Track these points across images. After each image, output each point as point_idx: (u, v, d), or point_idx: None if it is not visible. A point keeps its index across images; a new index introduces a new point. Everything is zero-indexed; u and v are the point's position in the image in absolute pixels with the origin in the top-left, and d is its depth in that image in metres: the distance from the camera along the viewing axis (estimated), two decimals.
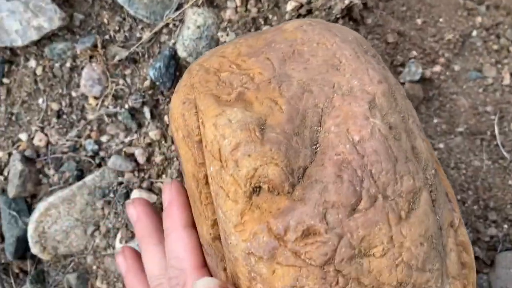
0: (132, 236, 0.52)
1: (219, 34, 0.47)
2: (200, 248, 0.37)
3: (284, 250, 0.27)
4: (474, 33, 0.50)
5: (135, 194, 0.51)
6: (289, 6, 0.45)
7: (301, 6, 0.45)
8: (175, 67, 0.49)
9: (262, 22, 0.47)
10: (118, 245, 0.53)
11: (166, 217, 0.39)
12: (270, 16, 0.47)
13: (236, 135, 0.29)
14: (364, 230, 0.27)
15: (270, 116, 0.29)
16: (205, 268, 0.36)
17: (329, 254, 0.26)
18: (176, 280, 0.36)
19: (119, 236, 0.52)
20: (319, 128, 0.29)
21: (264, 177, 0.28)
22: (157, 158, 0.51)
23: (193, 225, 0.38)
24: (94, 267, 0.54)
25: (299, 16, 0.45)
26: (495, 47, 0.50)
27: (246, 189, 0.28)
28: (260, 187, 0.28)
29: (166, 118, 0.50)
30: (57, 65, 0.51)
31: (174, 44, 0.49)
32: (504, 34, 0.50)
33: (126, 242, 0.52)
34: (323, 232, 0.26)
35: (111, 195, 0.52)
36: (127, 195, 0.52)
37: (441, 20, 0.49)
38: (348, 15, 0.45)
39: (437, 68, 0.49)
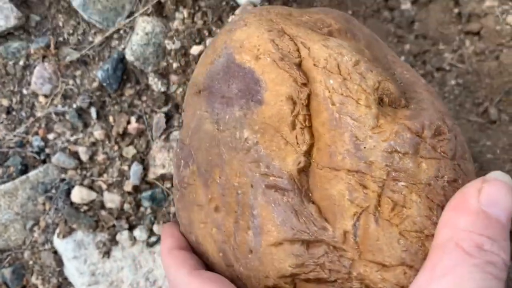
0: (70, 231, 0.53)
1: (166, 42, 0.51)
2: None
3: (425, 145, 0.30)
4: (402, 58, 0.54)
5: (76, 191, 0.53)
6: (231, 20, 0.49)
7: None
8: (123, 70, 0.52)
9: (207, 34, 0.51)
10: (56, 240, 0.54)
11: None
12: (214, 29, 0.50)
13: (353, 55, 0.32)
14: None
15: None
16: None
17: (453, 150, 0.31)
18: None
19: (57, 231, 0.53)
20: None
21: (386, 89, 0.32)
22: (100, 157, 0.53)
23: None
24: (31, 262, 0.54)
25: None
26: (421, 71, 0.54)
27: (375, 97, 0.31)
28: (382, 99, 0.31)
29: (111, 119, 0.53)
30: (10, 63, 0.53)
31: (124, 49, 0.52)
32: (429, 61, 0.54)
33: (63, 237, 0.53)
34: (446, 132, 0.31)
35: (53, 191, 0.54)
36: (68, 192, 0.53)
37: None
38: None
39: None
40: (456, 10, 0.56)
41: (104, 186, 0.53)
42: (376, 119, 0.30)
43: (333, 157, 0.31)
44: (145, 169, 0.53)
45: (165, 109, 0.52)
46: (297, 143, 0.32)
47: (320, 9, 0.38)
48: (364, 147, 0.30)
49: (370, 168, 0.30)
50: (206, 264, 0.36)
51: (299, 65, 0.33)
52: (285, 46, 0.33)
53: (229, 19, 0.49)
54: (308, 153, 0.31)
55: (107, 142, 0.53)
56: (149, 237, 0.53)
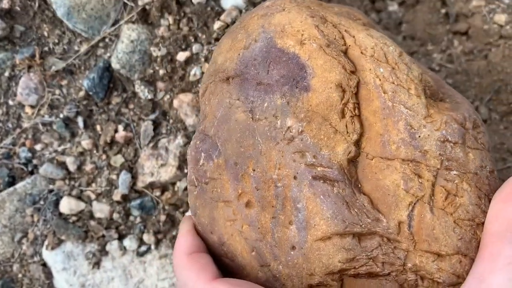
0: (59, 243, 0.53)
1: (152, 49, 0.50)
2: None
3: (469, 136, 0.31)
4: None
5: (65, 201, 0.52)
6: (216, 25, 0.49)
7: (227, 25, 0.49)
8: (109, 79, 0.51)
9: (192, 40, 0.50)
10: (45, 252, 0.53)
11: (174, 250, 0.35)
12: (200, 34, 0.50)
13: (396, 46, 0.33)
14: None
15: None
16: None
17: (488, 142, 0.33)
18: None
19: (46, 243, 0.53)
20: None
21: (427, 82, 0.32)
22: (88, 167, 0.52)
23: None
24: (20, 276, 0.54)
25: None
26: None
27: (421, 87, 0.32)
28: (424, 91, 0.32)
29: (99, 127, 0.52)
30: None
31: (110, 57, 0.51)
32: (418, 62, 0.54)
33: (52, 248, 0.52)
34: (480, 125, 0.32)
35: (41, 202, 0.53)
36: (56, 203, 0.53)
37: None
38: None
39: None
40: (443, 11, 0.56)
41: (92, 196, 0.52)
42: (426, 108, 0.31)
43: (386, 146, 0.30)
44: (134, 177, 0.52)
45: (152, 116, 0.51)
46: (347, 132, 0.31)
47: (338, 4, 0.39)
48: (419, 136, 0.30)
49: (425, 157, 0.30)
50: (230, 266, 0.33)
51: (345, 53, 0.32)
52: (330, 33, 0.32)
53: (215, 25, 0.49)
54: (357, 143, 0.31)
55: (95, 151, 0.53)
56: (139, 246, 0.52)
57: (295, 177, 0.30)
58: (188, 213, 0.51)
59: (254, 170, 0.31)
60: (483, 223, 0.30)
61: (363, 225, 0.29)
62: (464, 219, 0.30)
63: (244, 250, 0.32)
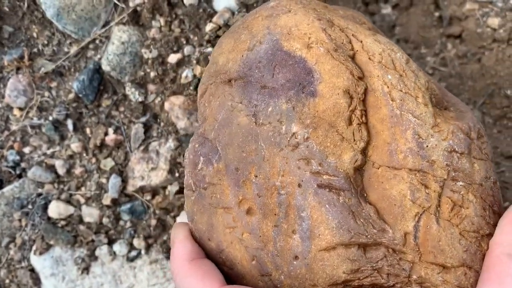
0: (48, 248, 0.52)
1: (143, 50, 0.50)
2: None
3: (474, 146, 0.31)
4: None
5: (54, 205, 0.51)
6: (208, 27, 0.48)
7: (219, 28, 0.48)
8: (99, 81, 0.51)
9: (184, 42, 0.49)
10: (33, 257, 0.52)
11: (170, 259, 0.33)
12: (191, 36, 0.49)
13: (403, 52, 0.32)
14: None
15: None
16: None
17: (491, 152, 0.33)
18: None
19: (34, 248, 0.52)
20: None
21: (433, 90, 0.32)
22: (77, 170, 0.51)
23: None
24: (7, 281, 0.52)
25: (217, 37, 0.48)
26: None
27: (428, 96, 0.31)
28: (431, 99, 0.31)
29: (88, 130, 0.51)
30: None
31: (100, 59, 0.51)
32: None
33: (41, 254, 0.51)
34: (484, 135, 0.32)
35: (30, 206, 0.52)
36: (45, 207, 0.52)
37: None
38: None
39: None
40: (437, 14, 0.56)
41: (82, 200, 0.52)
42: (434, 117, 0.30)
43: (394, 155, 0.30)
44: (124, 181, 0.51)
45: (143, 119, 0.51)
46: (354, 139, 0.30)
47: (342, 7, 0.38)
48: (427, 146, 0.30)
49: (432, 168, 0.29)
50: (229, 274, 0.32)
51: (352, 58, 0.31)
52: (338, 37, 0.32)
53: (207, 27, 0.48)
54: (363, 151, 0.30)
55: (84, 154, 0.52)
56: (129, 251, 0.51)
57: (299, 185, 0.30)
58: (179, 219, 0.51)
59: (256, 176, 0.31)
60: (487, 235, 0.30)
61: (368, 236, 0.29)
62: (470, 230, 0.29)
63: (244, 258, 0.31)
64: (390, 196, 0.29)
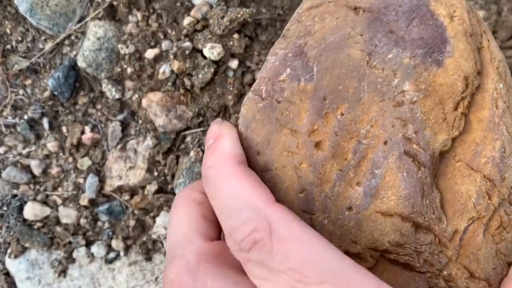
0: (23, 251, 0.50)
1: (119, 46, 0.48)
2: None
3: None
4: None
5: (29, 207, 0.50)
6: (186, 21, 0.47)
7: (197, 21, 0.47)
8: (75, 78, 0.49)
9: (162, 37, 0.48)
10: (8, 261, 0.50)
11: (211, 153, 0.28)
12: (169, 31, 0.48)
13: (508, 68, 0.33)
14: None
15: None
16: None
17: None
18: (251, 227, 0.24)
19: (9, 251, 0.50)
20: None
21: None
22: (54, 170, 0.50)
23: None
24: None
25: (195, 31, 0.47)
26: None
27: None
28: None
29: (65, 129, 0.50)
30: None
31: (76, 55, 0.49)
32: None
33: (16, 257, 0.50)
34: None
35: (4, 208, 0.50)
36: (20, 208, 0.50)
37: None
38: (243, 32, 0.47)
39: None
40: None
41: (59, 201, 0.50)
42: None
43: (477, 157, 0.30)
44: (101, 181, 0.50)
45: (120, 116, 0.49)
46: (453, 125, 0.29)
47: None
48: (507, 162, 0.31)
49: (501, 183, 0.30)
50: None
51: (479, 50, 0.31)
52: (475, 25, 0.31)
53: (185, 21, 0.47)
54: (453, 140, 0.30)
55: (61, 154, 0.50)
56: (107, 253, 0.50)
57: (385, 142, 0.28)
58: (159, 220, 0.49)
59: (342, 115, 0.29)
60: (509, 264, 0.31)
61: (426, 218, 0.29)
62: (503, 253, 0.31)
63: (292, 187, 0.29)
64: (458, 192, 0.30)
